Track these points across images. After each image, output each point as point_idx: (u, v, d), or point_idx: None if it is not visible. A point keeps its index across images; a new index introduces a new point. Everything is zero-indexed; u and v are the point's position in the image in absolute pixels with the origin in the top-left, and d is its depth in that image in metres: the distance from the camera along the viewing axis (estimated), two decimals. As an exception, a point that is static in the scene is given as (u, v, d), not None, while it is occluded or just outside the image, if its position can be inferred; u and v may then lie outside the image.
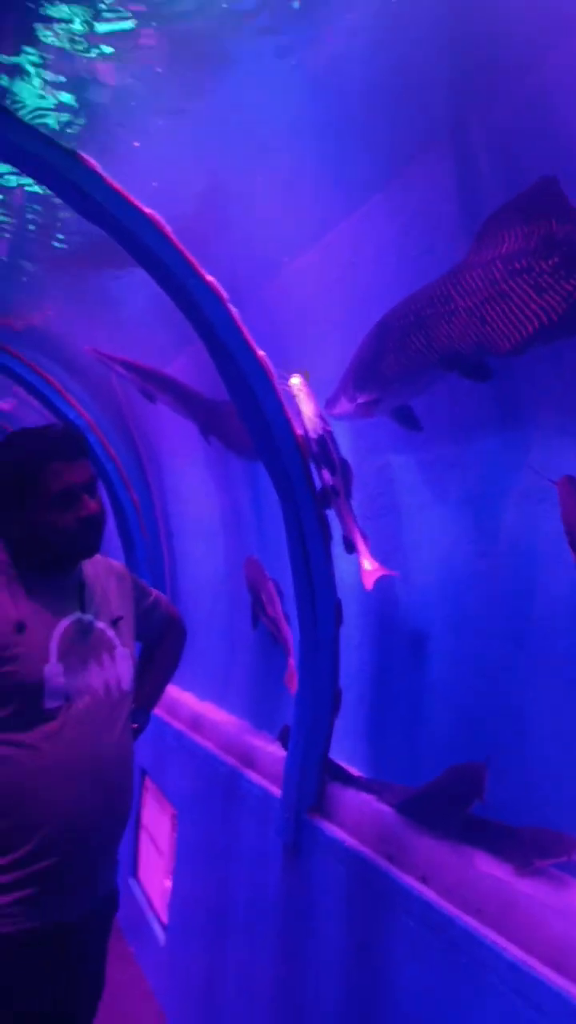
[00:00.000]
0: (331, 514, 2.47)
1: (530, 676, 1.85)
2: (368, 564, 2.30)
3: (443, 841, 2.00)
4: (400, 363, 1.91)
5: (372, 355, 2.03)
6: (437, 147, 1.89)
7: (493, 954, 1.66)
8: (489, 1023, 1.64)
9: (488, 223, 1.69)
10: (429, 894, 1.91)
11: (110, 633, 1.84)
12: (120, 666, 1.84)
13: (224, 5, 1.89)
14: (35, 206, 3.31)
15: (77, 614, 1.77)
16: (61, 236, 3.54)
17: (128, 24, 2.10)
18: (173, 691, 4.23)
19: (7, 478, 1.72)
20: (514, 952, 1.63)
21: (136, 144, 2.46)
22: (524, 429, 1.87)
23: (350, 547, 2.41)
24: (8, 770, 1.64)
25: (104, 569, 1.94)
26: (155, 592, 2.18)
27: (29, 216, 3.43)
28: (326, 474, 2.43)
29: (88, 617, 1.80)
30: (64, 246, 3.59)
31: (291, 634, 2.99)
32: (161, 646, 2.23)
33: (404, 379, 1.95)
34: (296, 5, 1.82)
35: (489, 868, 1.84)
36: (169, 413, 3.77)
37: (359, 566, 2.34)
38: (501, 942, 1.67)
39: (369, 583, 2.28)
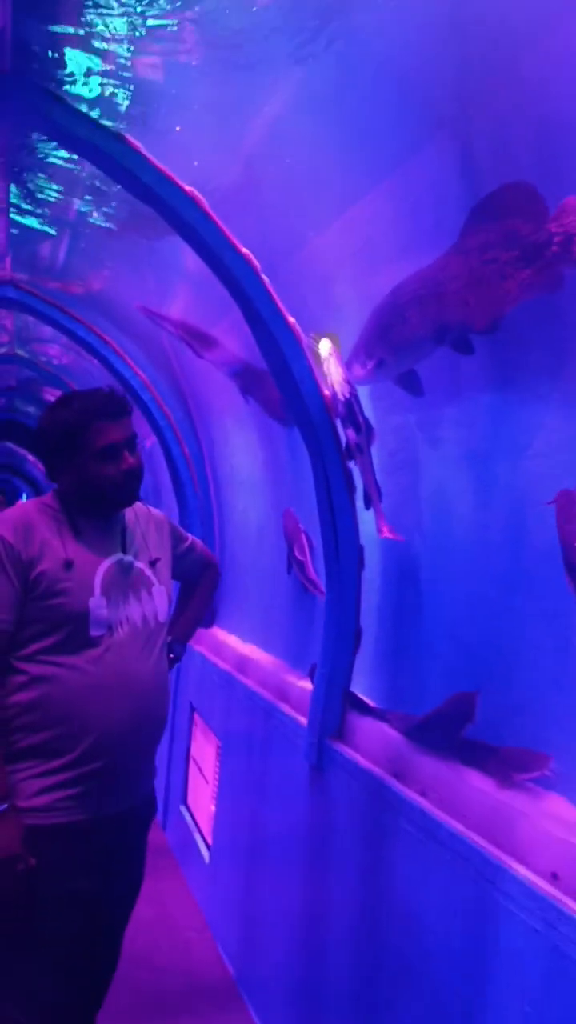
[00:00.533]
0: (356, 470, 2.70)
1: (519, 615, 2.06)
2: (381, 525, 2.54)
3: (441, 760, 2.24)
4: (401, 335, 2.15)
5: (379, 326, 2.25)
6: (442, 135, 2.07)
7: (473, 851, 1.91)
8: (465, 905, 1.90)
9: (470, 217, 1.89)
10: (426, 805, 2.16)
11: (148, 572, 2.12)
12: (156, 601, 2.11)
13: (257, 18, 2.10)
14: (92, 180, 3.53)
15: (119, 555, 2.05)
16: (114, 204, 3.76)
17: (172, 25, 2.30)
18: (220, 634, 4.54)
19: (60, 433, 1.99)
20: (491, 851, 1.88)
21: (178, 128, 2.68)
22: (521, 391, 2.06)
23: (369, 502, 2.63)
24: (59, 688, 1.93)
25: (144, 516, 2.21)
26: (191, 537, 2.45)
27: (84, 186, 3.66)
28: (351, 433, 2.64)
29: (128, 557, 2.07)
30: (115, 213, 3.82)
31: (316, 578, 3.25)
32: (198, 585, 2.51)
33: (405, 348, 2.19)
34: (315, 22, 2.02)
35: (477, 782, 2.08)
36: (217, 373, 4.01)
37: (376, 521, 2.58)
38: (480, 841, 1.92)
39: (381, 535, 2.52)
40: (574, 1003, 1.55)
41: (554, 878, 1.70)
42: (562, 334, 1.87)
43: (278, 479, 3.81)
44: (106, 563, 2.00)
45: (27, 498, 18.36)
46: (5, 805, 1.85)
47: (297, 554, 3.45)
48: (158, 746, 2.16)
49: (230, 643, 4.34)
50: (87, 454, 1.97)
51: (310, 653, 3.31)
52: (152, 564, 2.13)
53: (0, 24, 2.37)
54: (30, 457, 14.84)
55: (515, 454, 2.09)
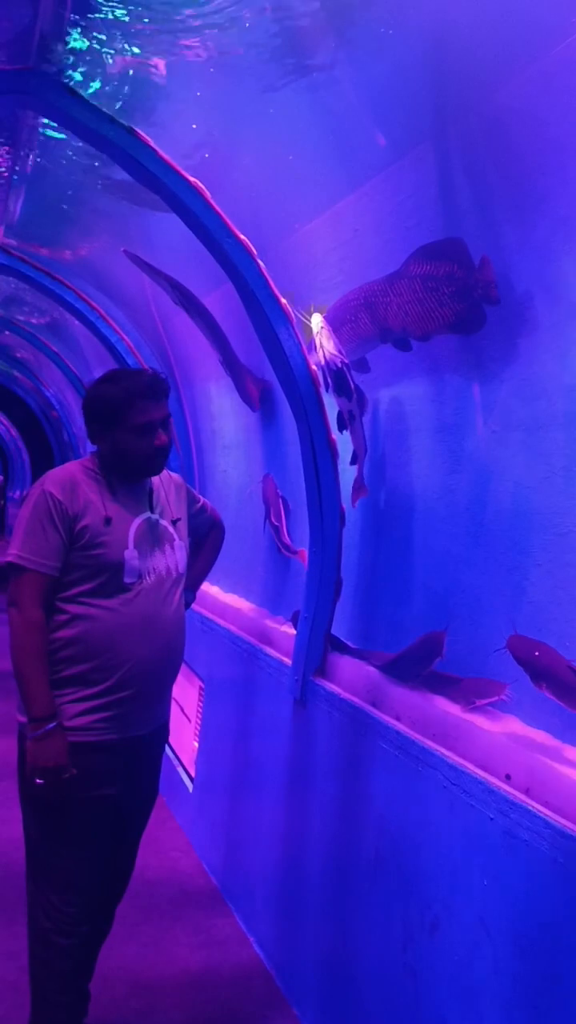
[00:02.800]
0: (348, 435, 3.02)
1: (481, 566, 2.43)
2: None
3: (413, 690, 2.62)
4: (354, 332, 2.69)
5: (335, 322, 2.73)
6: (425, 142, 2.38)
7: (441, 761, 2.30)
8: (435, 809, 2.29)
9: (418, 251, 2.43)
10: (400, 726, 2.54)
11: (171, 529, 2.45)
12: (178, 554, 2.45)
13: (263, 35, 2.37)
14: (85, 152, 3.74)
15: (147, 514, 2.37)
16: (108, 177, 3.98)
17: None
18: (204, 585, 4.87)
19: (105, 405, 2.30)
20: (454, 759, 2.26)
21: (194, 126, 2.93)
22: (486, 371, 2.40)
23: (355, 460, 2.96)
24: (96, 626, 2.26)
25: (167, 480, 2.53)
26: (203, 499, 2.78)
27: (77, 158, 3.87)
28: (343, 401, 2.95)
29: (155, 516, 2.40)
30: (108, 186, 4.03)
31: (290, 542, 3.63)
32: (206, 541, 2.84)
33: (355, 343, 2.73)
34: (316, 40, 2.31)
35: (444, 707, 2.47)
36: (202, 339, 4.27)
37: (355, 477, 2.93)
38: (447, 753, 2.30)
39: (355, 501, 2.89)
40: (523, 873, 1.94)
41: (507, 778, 2.09)
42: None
43: (257, 443, 4.13)
44: (137, 520, 2.33)
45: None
46: (53, 724, 2.19)
47: (273, 519, 3.80)
48: (175, 680, 2.51)
49: (212, 592, 4.68)
50: (126, 428, 2.28)
51: (288, 603, 3.67)
52: (174, 523, 2.46)
53: (28, 20, 2.60)
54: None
55: (479, 426, 2.44)
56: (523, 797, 2.00)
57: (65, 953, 2.29)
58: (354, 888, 2.67)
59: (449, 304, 2.33)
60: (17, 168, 3.98)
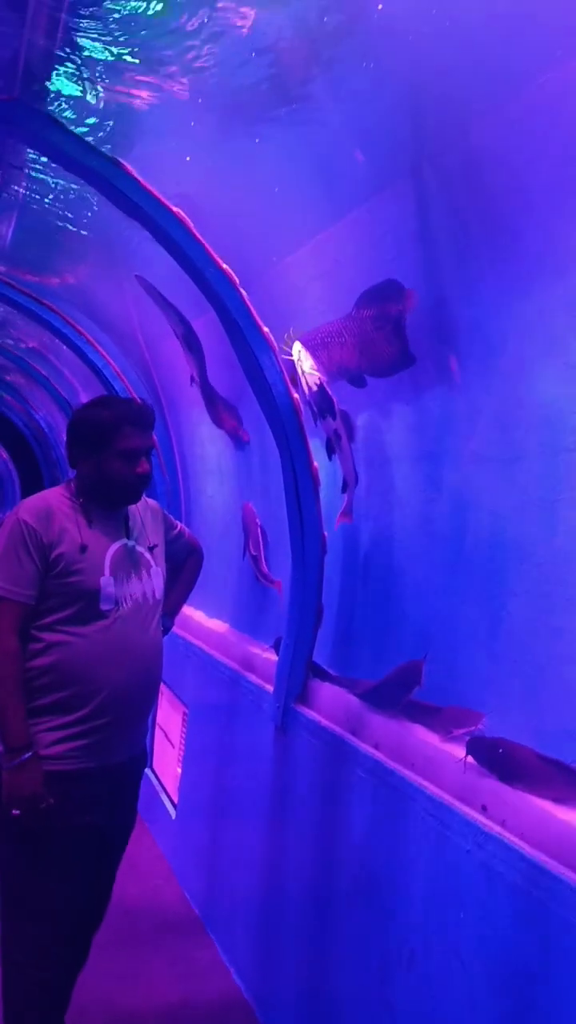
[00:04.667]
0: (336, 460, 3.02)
1: (458, 594, 2.44)
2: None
3: (391, 719, 2.62)
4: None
5: None
6: (403, 179, 2.41)
7: (418, 792, 2.29)
8: (413, 839, 2.28)
9: (363, 294, 2.62)
10: (379, 755, 2.54)
11: (147, 555, 2.45)
12: (155, 581, 2.45)
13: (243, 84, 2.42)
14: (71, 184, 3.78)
15: (124, 540, 2.37)
16: (96, 207, 4.02)
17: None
18: (186, 610, 4.86)
19: (92, 428, 2.31)
20: (432, 790, 2.26)
21: (188, 158, 2.96)
22: (465, 400, 2.43)
23: (345, 488, 2.97)
24: (73, 654, 2.25)
25: (143, 506, 2.54)
26: (180, 525, 2.79)
27: (65, 186, 3.90)
28: (330, 421, 2.96)
29: (131, 543, 2.40)
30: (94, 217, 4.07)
31: (268, 571, 3.64)
32: (184, 567, 2.84)
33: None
34: (299, 77, 2.35)
35: (422, 736, 2.47)
36: (187, 367, 4.30)
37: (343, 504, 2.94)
38: (425, 784, 2.30)
39: (336, 524, 2.90)
40: (501, 907, 1.93)
41: (483, 810, 2.09)
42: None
43: (241, 470, 4.15)
44: (114, 547, 2.33)
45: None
46: (30, 753, 2.17)
47: (252, 549, 3.81)
48: (153, 706, 2.50)
49: (196, 618, 4.67)
50: (111, 452, 2.30)
51: (271, 629, 3.67)
52: (151, 549, 2.46)
53: (13, 52, 2.64)
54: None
55: (457, 456, 2.46)
56: (499, 829, 2.00)
57: (41, 985, 2.26)
58: (333, 919, 2.65)
59: (393, 342, 2.52)
60: (5, 195, 4.01)
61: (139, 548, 2.42)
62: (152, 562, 2.45)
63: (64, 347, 5.60)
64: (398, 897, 2.32)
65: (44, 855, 2.22)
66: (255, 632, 3.99)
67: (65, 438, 2.41)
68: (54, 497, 2.34)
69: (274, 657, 3.42)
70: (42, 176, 3.63)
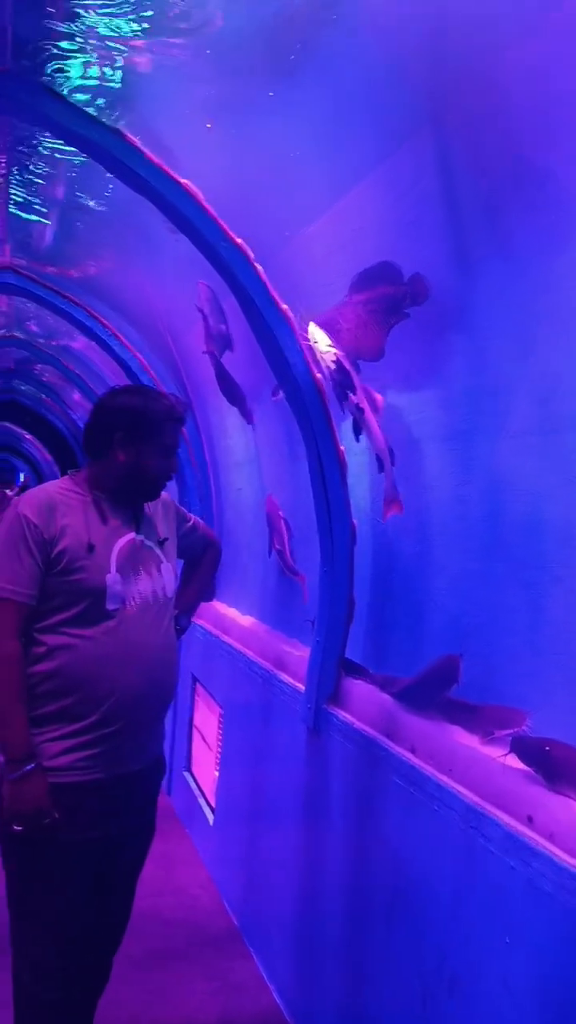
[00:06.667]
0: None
1: (496, 583, 2.23)
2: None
3: (428, 719, 2.42)
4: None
5: None
6: (420, 135, 2.20)
7: (457, 800, 2.09)
8: (452, 853, 2.08)
9: (356, 280, 2.57)
10: (415, 760, 2.34)
11: (157, 551, 2.28)
12: (165, 577, 2.28)
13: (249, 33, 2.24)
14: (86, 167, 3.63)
15: (132, 534, 2.21)
16: (108, 191, 3.86)
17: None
18: (221, 608, 4.71)
19: (140, 419, 2.18)
20: (472, 798, 2.05)
21: (208, 125, 2.77)
22: (495, 372, 2.21)
23: (381, 466, 2.74)
24: (77, 656, 2.09)
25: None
26: (194, 518, 2.61)
27: (76, 174, 3.75)
28: (351, 397, 2.75)
29: (140, 537, 2.23)
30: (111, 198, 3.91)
31: (293, 563, 3.45)
32: (201, 562, 2.67)
33: None
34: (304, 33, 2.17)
35: (461, 738, 2.26)
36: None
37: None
38: (464, 792, 2.09)
39: (385, 516, 2.66)
40: (548, 931, 1.73)
41: (529, 821, 1.88)
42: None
43: (269, 460, 3.96)
44: (121, 542, 2.16)
45: (24, 477, 18.45)
46: (32, 765, 2.02)
47: (276, 544, 3.62)
48: (167, 711, 2.33)
49: (230, 615, 4.51)
50: (153, 445, 2.18)
51: (305, 625, 3.48)
52: (161, 543, 2.29)
53: (1, 23, 2.49)
54: (27, 436, 14.96)
55: (490, 434, 2.25)
56: (546, 843, 1.79)
57: (50, 1008, 2.11)
58: (371, 934, 2.46)
59: (385, 321, 2.50)
60: (20, 178, 3.87)
61: (148, 542, 2.25)
62: (162, 557, 2.27)
63: (95, 344, 5.49)
64: (438, 916, 2.12)
65: (47, 871, 2.07)
66: (288, 628, 3.81)
67: (91, 423, 2.25)
68: (56, 490, 2.19)
69: (306, 654, 3.23)
70: (56, 156, 3.49)
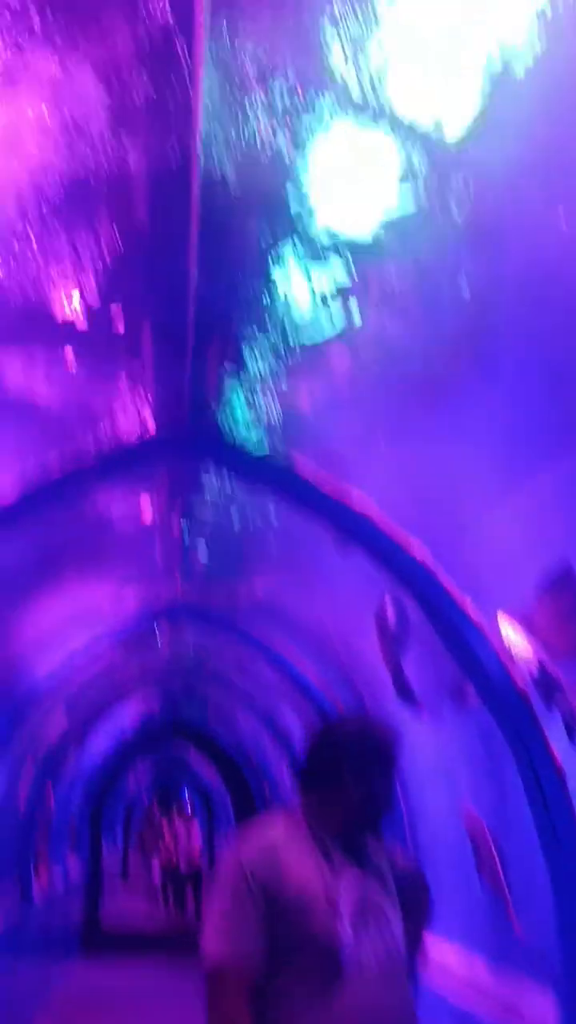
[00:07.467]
0: None
1: None
2: None
3: None
4: None
5: None
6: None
7: None
8: None
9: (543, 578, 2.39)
10: None
11: (386, 900, 1.99)
12: (395, 928, 1.95)
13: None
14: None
15: (363, 880, 1.94)
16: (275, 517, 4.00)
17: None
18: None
19: (369, 748, 2.02)
20: None
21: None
22: None
23: None
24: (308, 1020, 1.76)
25: (375, 841, 2.13)
26: (400, 850, 2.33)
27: (244, 503, 3.92)
28: (560, 699, 2.52)
29: (370, 883, 1.96)
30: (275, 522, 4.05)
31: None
32: (414, 908, 2.32)
33: None
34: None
35: None
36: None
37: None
38: None
39: None
40: None
41: None
42: None
43: (468, 769, 3.65)
44: (353, 889, 1.90)
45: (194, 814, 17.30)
46: None
47: (485, 870, 3.23)
48: None
49: (441, 958, 3.93)
50: (381, 776, 2.01)
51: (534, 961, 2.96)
52: (387, 890, 2.00)
53: (179, 384, 2.72)
54: (195, 755, 14.76)
55: None
56: None
57: None
58: None
59: None
60: (190, 522, 4.12)
61: (378, 889, 1.97)
62: (389, 905, 1.97)
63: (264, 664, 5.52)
64: None
65: None
66: (510, 965, 3.24)
67: (315, 755, 2.09)
68: (280, 827, 1.97)
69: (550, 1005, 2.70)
70: (220, 497, 3.70)
